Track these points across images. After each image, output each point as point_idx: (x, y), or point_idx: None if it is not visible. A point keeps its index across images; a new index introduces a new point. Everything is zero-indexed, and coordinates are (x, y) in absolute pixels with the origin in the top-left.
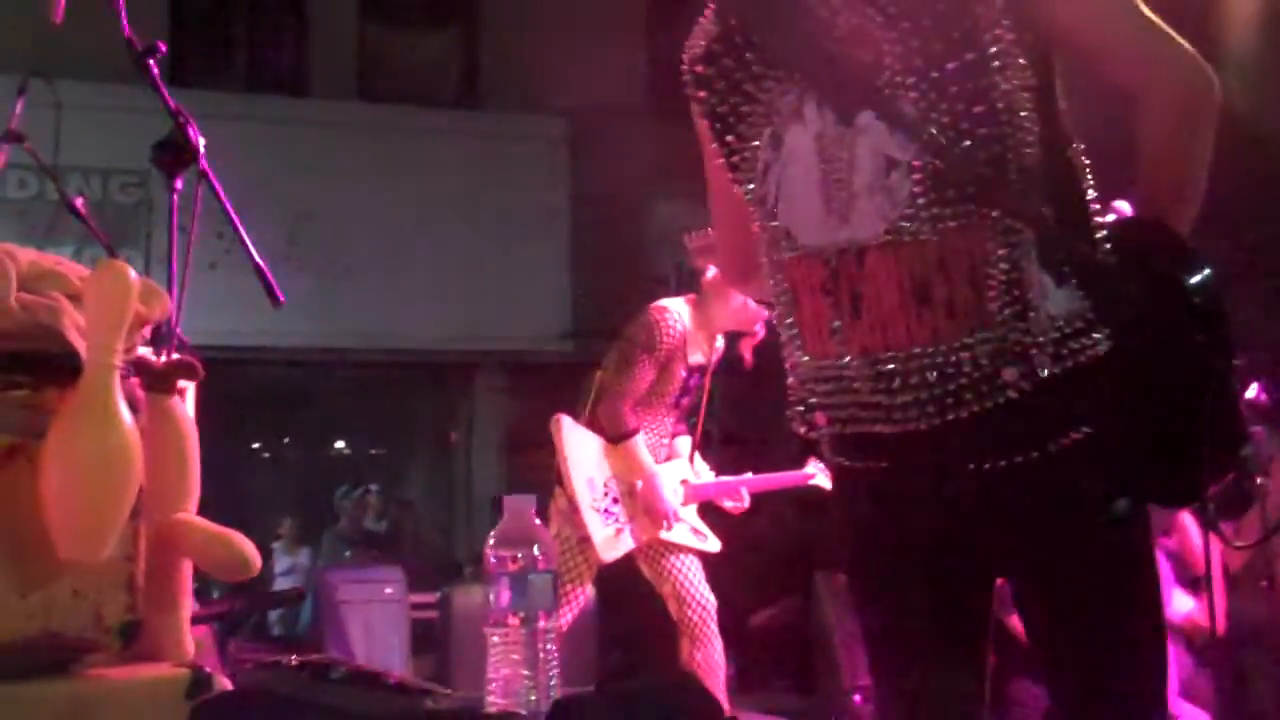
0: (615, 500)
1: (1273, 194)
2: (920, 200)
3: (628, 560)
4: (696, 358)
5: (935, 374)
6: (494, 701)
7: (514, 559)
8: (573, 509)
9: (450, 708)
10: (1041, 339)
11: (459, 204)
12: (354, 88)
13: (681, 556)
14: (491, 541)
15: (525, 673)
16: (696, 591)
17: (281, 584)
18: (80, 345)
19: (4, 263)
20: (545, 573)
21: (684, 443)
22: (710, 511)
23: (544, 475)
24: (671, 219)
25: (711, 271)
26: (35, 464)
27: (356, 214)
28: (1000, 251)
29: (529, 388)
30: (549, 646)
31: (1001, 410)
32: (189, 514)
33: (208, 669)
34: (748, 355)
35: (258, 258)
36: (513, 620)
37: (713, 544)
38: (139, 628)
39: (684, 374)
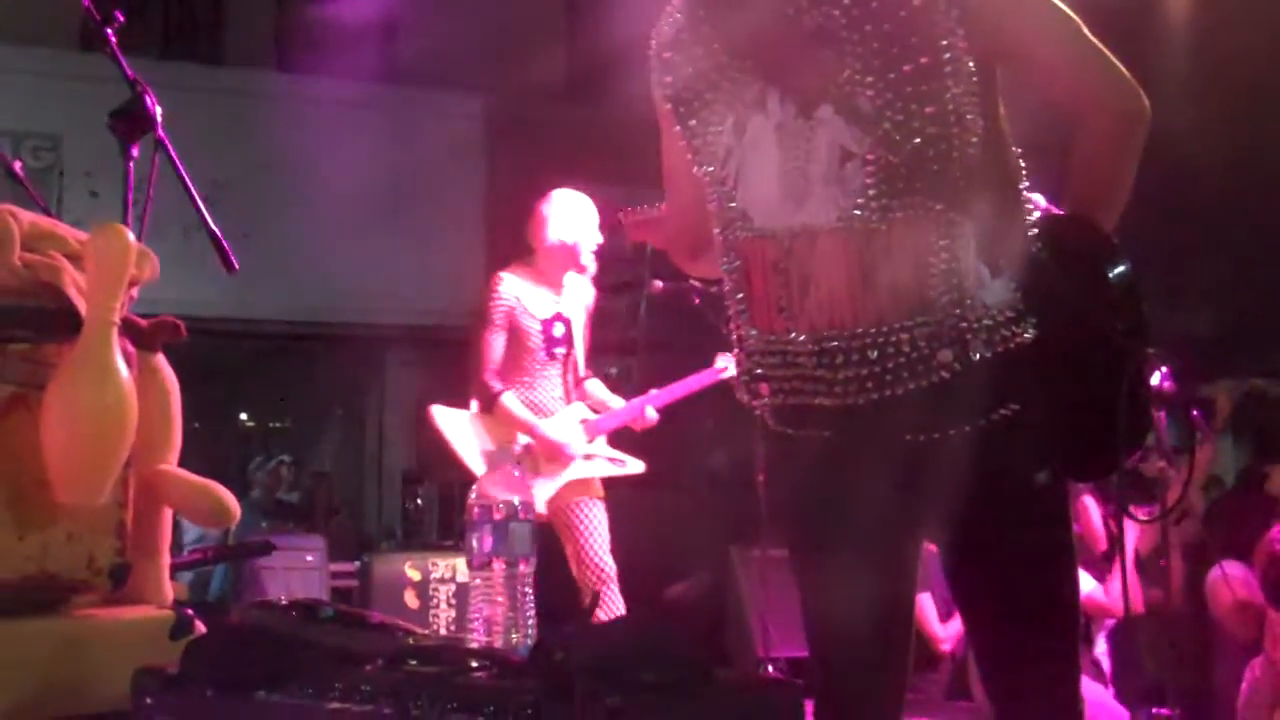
0: (516, 462)
1: (1175, 199)
2: (871, 191)
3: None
4: (544, 308)
5: (876, 353)
6: (476, 639)
7: (498, 508)
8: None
9: (436, 643)
10: (976, 325)
11: (375, 177)
12: (272, 57)
13: (588, 514)
14: (474, 493)
15: (508, 613)
16: (595, 556)
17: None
18: (80, 302)
19: (8, 223)
20: (525, 521)
21: (595, 385)
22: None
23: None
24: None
25: (552, 240)
26: (35, 414)
27: (270, 184)
28: (942, 242)
29: (441, 361)
30: (527, 590)
31: (936, 388)
32: (171, 465)
33: (189, 611)
34: (594, 292)
35: (213, 225)
36: (496, 564)
37: (634, 465)
38: (128, 570)
39: (537, 327)
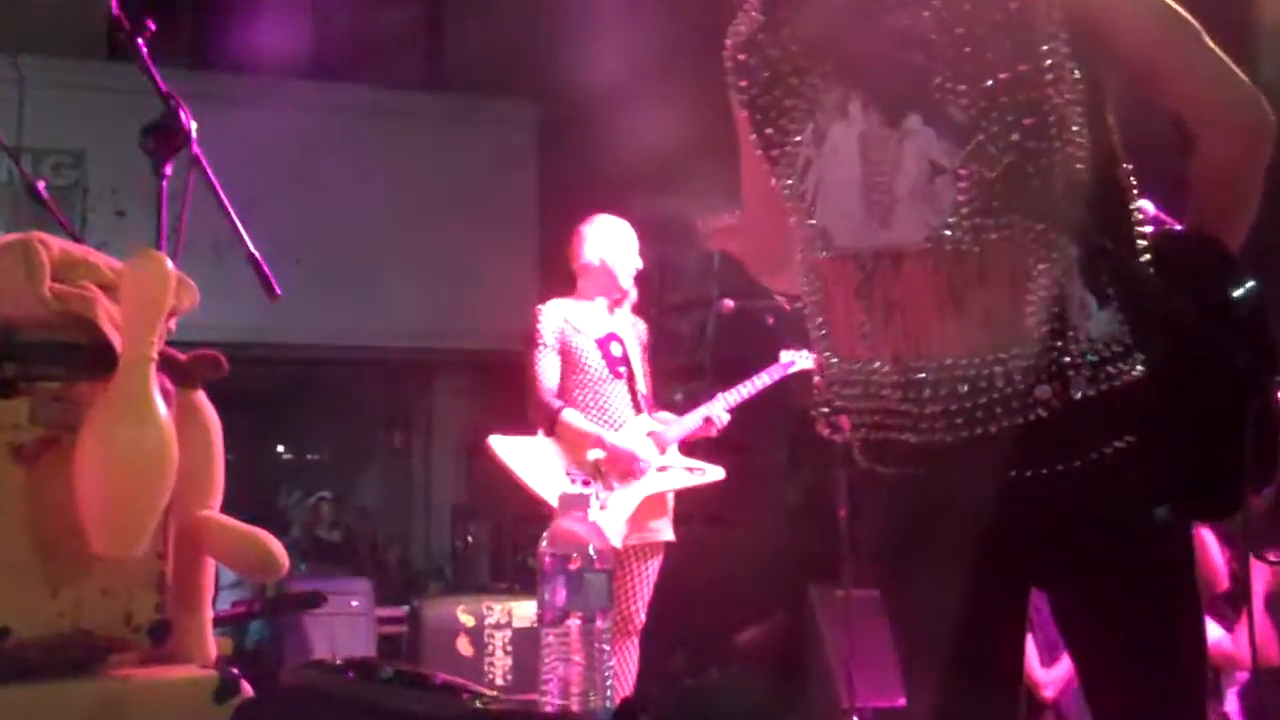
0: (586, 483)
1: None
2: (964, 209)
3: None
4: (596, 327)
5: (966, 386)
6: (550, 701)
7: (571, 558)
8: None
9: (507, 708)
10: (1079, 360)
11: (419, 192)
12: (307, 64)
13: (643, 569)
14: (546, 541)
15: (585, 673)
16: (632, 605)
17: (227, 597)
18: (114, 337)
19: (38, 252)
20: (601, 572)
21: (665, 418)
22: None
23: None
24: (648, 212)
25: (586, 259)
26: (67, 459)
27: (307, 201)
28: (1041, 266)
29: (492, 388)
30: (605, 647)
31: (1032, 427)
32: (213, 511)
33: (235, 671)
34: (631, 311)
35: (252, 247)
36: (572, 620)
37: (713, 472)
38: (168, 628)
39: (592, 346)
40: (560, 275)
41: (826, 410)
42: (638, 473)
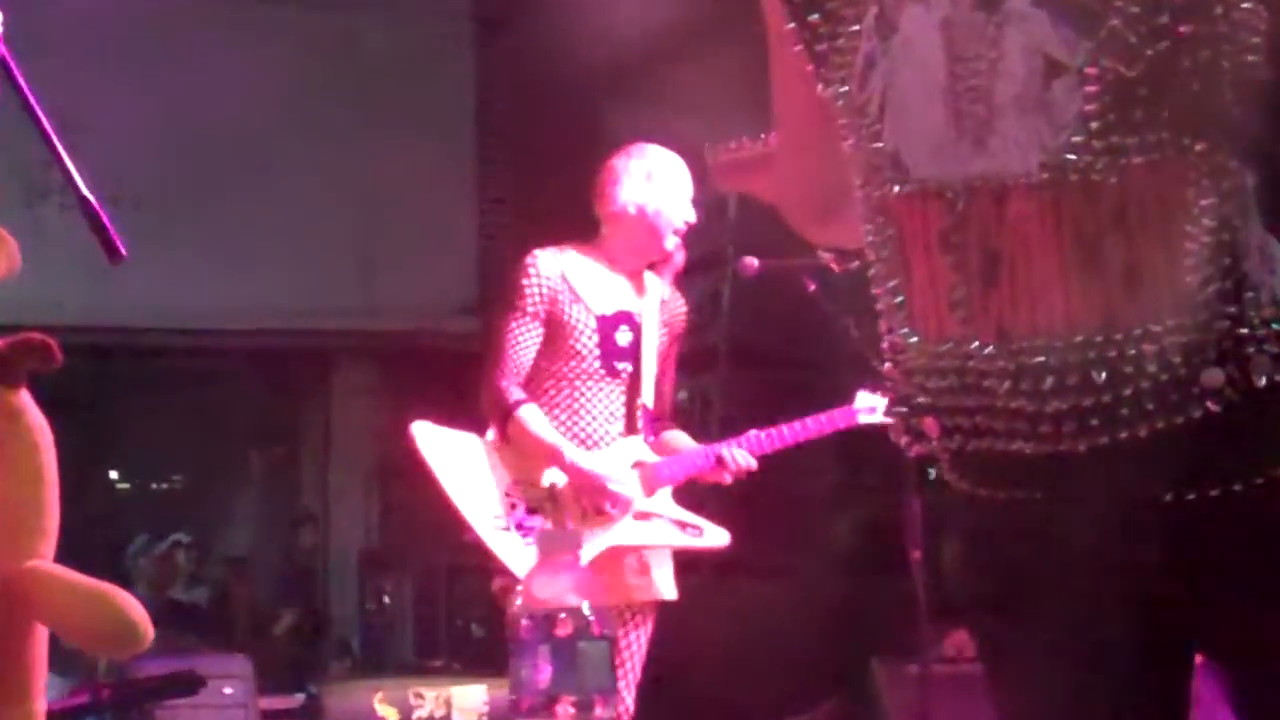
0: (531, 510)
1: None
2: (1094, 124)
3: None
4: (607, 301)
5: (1104, 373)
6: None
7: (558, 620)
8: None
9: None
10: (1262, 333)
11: (309, 105)
12: None
13: (634, 638)
14: (520, 597)
15: None
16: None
17: (58, 683)
18: None
19: None
20: (600, 640)
21: (678, 438)
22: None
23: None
24: (628, 133)
25: (622, 202)
26: None
27: (148, 128)
28: (1206, 201)
29: (412, 387)
30: None
31: (1197, 428)
32: (45, 559)
33: None
34: (670, 283)
35: (85, 190)
36: (562, 707)
37: (714, 537)
38: None
39: (592, 325)
40: (507, 223)
41: (903, 411)
42: (607, 513)
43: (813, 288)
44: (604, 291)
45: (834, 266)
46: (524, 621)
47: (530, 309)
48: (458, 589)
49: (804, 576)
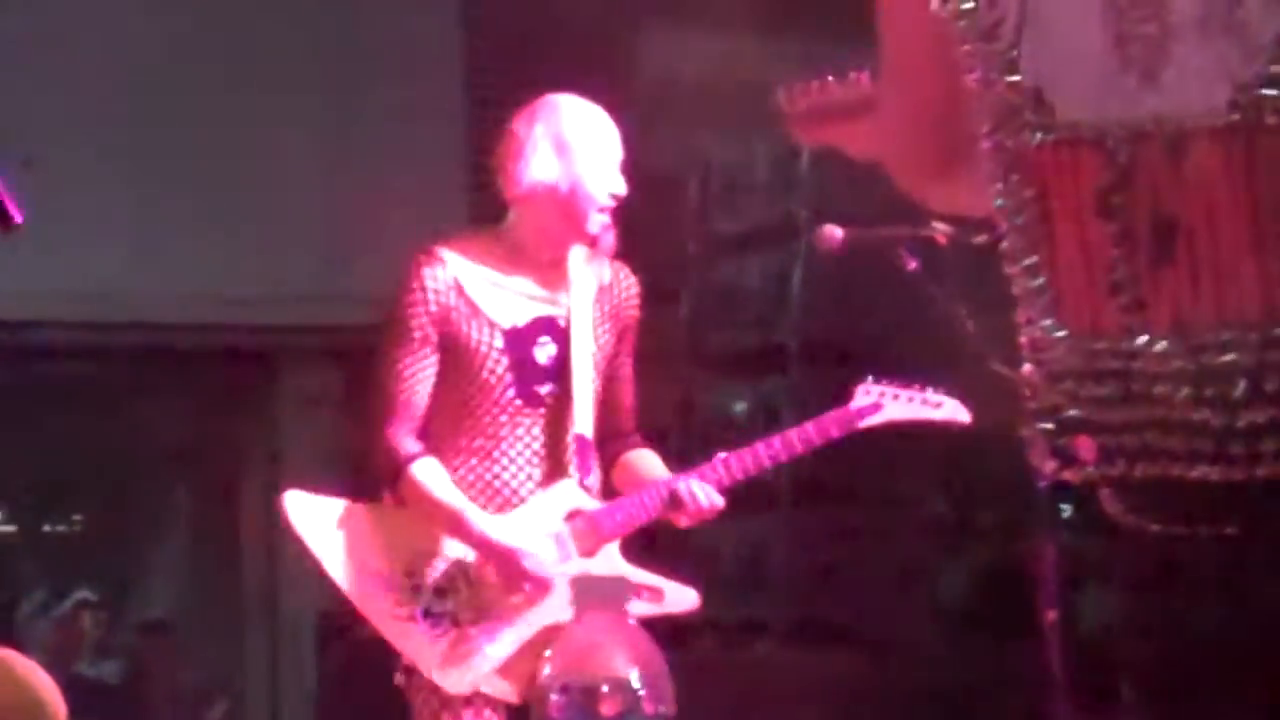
0: (440, 591)
1: None
2: None
3: None
4: (514, 310)
5: None
6: None
7: (600, 695)
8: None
9: None
10: None
11: (254, 62)
12: None
13: None
14: (550, 665)
15: None
16: None
17: None
18: None
19: None
20: (656, 719)
21: (646, 459)
22: None
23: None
24: (677, 67)
25: (529, 181)
26: None
27: (56, 70)
28: None
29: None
30: None
31: None
32: None
33: None
34: (607, 244)
35: None
36: None
37: (677, 599)
38: None
39: (497, 344)
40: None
41: (1050, 427)
42: (529, 590)
43: (913, 265)
44: (512, 297)
45: (940, 238)
46: (554, 697)
47: (417, 334)
48: None
49: (897, 646)
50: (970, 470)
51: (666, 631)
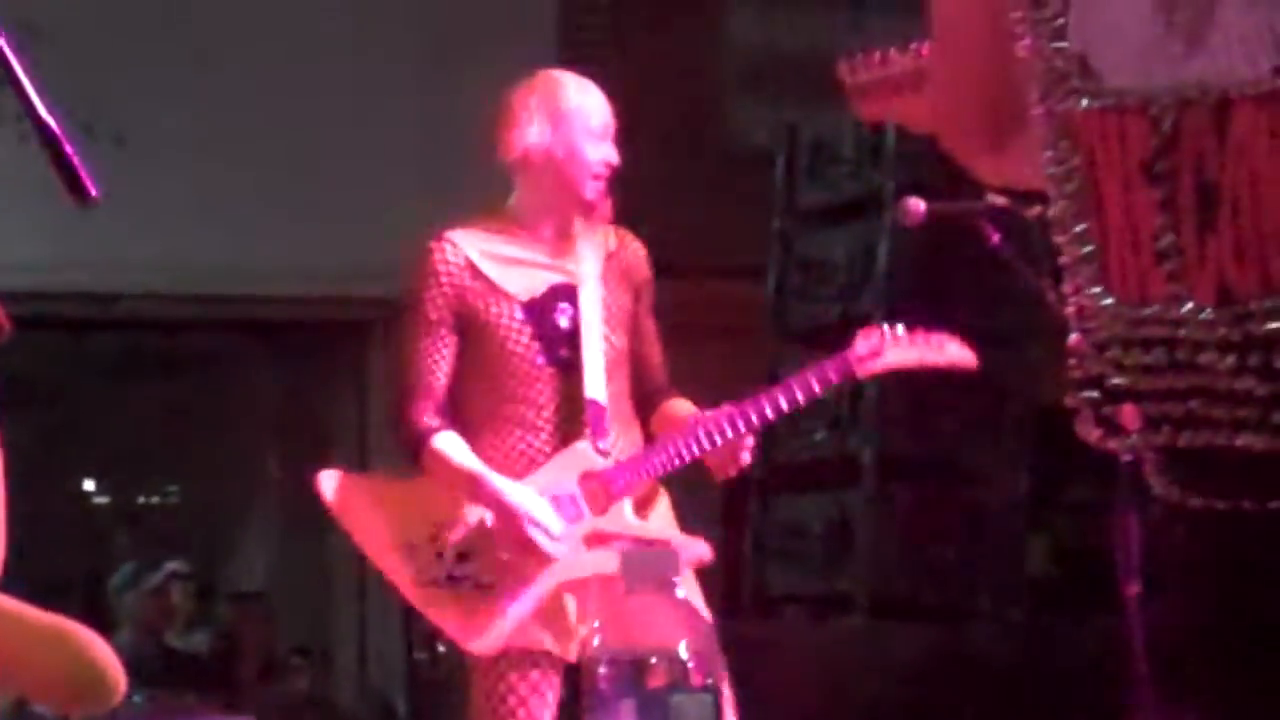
0: (462, 556)
1: None
2: None
3: None
4: (527, 279)
5: None
6: None
7: (649, 667)
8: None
9: None
10: None
11: (337, 22)
12: None
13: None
14: (598, 639)
15: None
16: None
17: None
18: None
19: None
20: (703, 692)
21: (682, 407)
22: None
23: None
24: (773, 38)
25: (523, 149)
26: None
27: (133, 33)
28: None
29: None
30: None
31: None
32: None
33: None
34: (600, 208)
35: (48, 116)
36: None
37: (690, 552)
38: None
39: (517, 315)
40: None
41: (1094, 396)
42: (527, 545)
43: (997, 238)
44: (526, 269)
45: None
46: (602, 669)
47: (434, 317)
48: None
49: (978, 621)
50: (1055, 438)
51: (755, 605)
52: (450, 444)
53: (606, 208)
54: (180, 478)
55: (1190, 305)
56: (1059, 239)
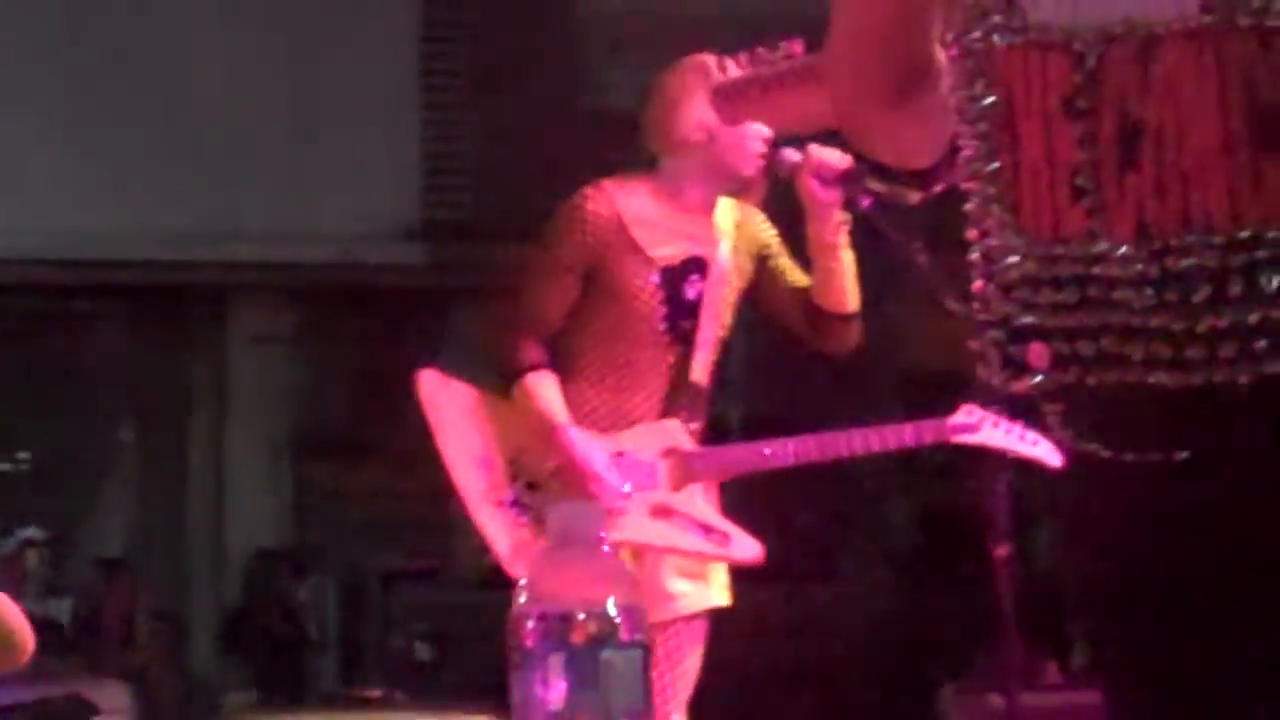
0: (531, 485)
1: None
2: None
3: None
4: (671, 245)
5: (1278, 280)
6: None
7: (576, 622)
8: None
9: None
10: None
11: None
12: None
13: (671, 644)
14: (525, 593)
15: None
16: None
17: None
18: None
19: None
20: (632, 647)
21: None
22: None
23: (369, 502)
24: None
25: (688, 128)
26: None
27: None
28: None
29: (339, 333)
30: None
31: None
32: None
33: None
34: (756, 184)
35: None
36: None
37: (743, 548)
38: None
39: (654, 279)
40: (456, 131)
41: (1001, 334)
42: (607, 504)
43: (868, 203)
44: (668, 235)
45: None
46: (529, 624)
47: (568, 261)
48: (395, 599)
49: (863, 586)
50: (920, 407)
51: None
52: (543, 385)
53: (762, 186)
54: (32, 444)
55: (1106, 243)
56: (968, 185)
